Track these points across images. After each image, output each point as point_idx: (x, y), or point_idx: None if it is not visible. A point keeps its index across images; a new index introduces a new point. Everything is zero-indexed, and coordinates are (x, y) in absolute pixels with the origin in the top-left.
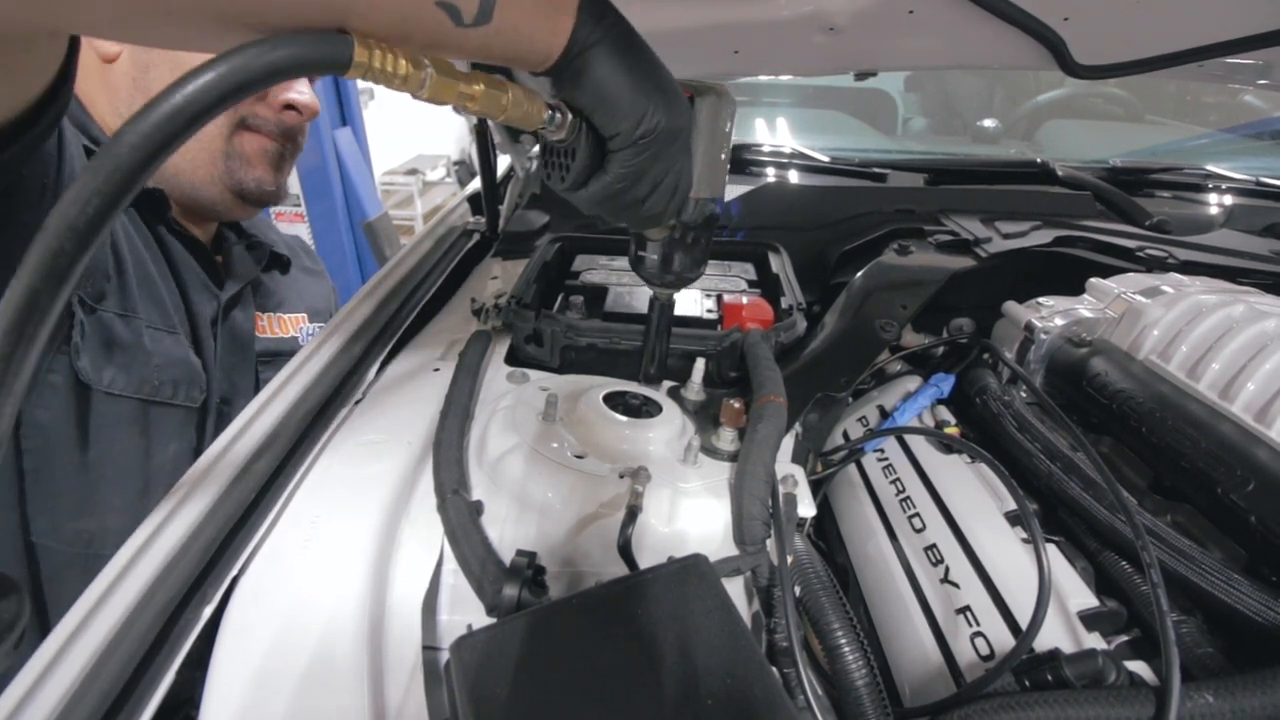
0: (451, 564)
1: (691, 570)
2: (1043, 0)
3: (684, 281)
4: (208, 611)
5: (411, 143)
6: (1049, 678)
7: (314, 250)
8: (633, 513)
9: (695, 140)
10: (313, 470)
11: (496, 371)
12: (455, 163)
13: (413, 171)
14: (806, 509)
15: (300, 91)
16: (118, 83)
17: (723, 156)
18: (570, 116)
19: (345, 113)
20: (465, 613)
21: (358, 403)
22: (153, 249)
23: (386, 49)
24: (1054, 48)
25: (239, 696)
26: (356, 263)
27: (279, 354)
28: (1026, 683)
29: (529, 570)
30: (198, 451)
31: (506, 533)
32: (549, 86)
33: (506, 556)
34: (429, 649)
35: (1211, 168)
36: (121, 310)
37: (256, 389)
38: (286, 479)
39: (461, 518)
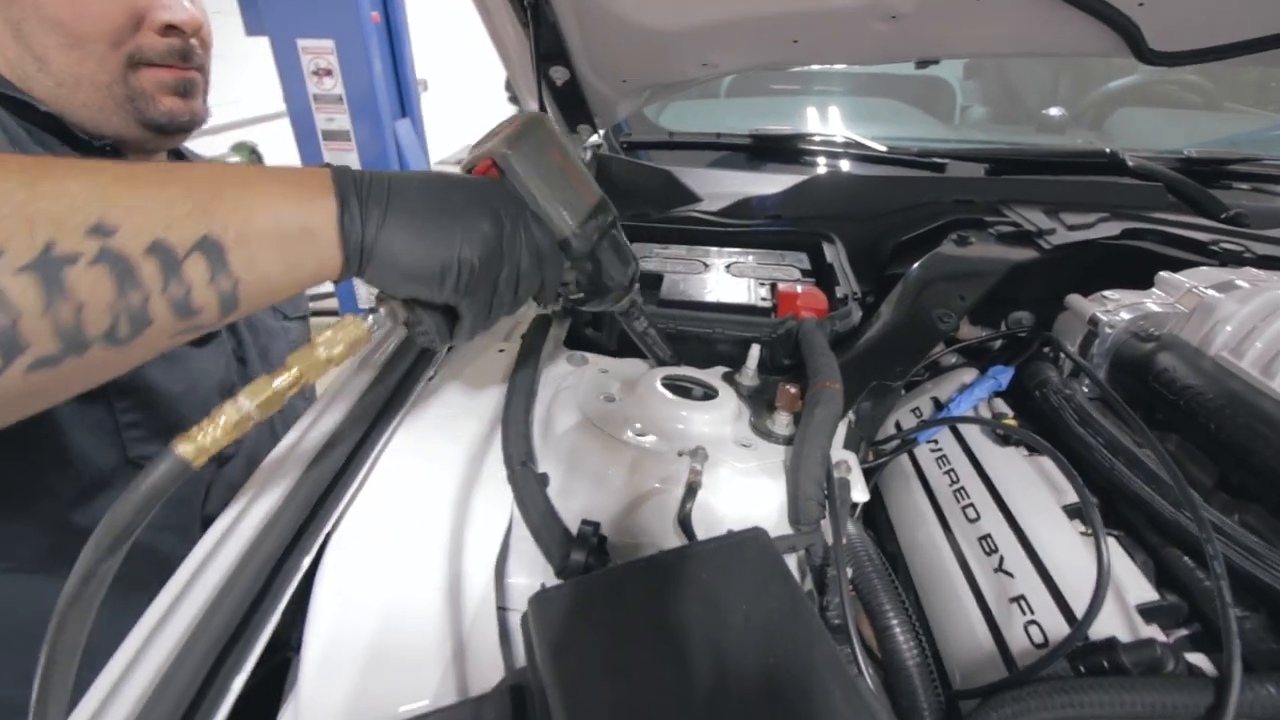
0: (520, 530)
1: (752, 542)
2: None
3: (621, 288)
4: (306, 561)
5: (463, 132)
6: (1105, 664)
7: None
8: (692, 488)
9: (529, 195)
10: (393, 439)
11: (557, 354)
12: None
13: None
14: (860, 494)
15: (171, 7)
16: None
17: (563, 181)
18: (394, 305)
19: (406, 104)
20: (533, 576)
21: (430, 379)
22: None
23: (208, 426)
24: (1127, 34)
25: (332, 631)
26: None
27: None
28: (1081, 668)
29: (594, 538)
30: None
31: (570, 504)
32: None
33: (570, 526)
34: (500, 609)
35: None
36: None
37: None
38: (371, 446)
39: (530, 488)
